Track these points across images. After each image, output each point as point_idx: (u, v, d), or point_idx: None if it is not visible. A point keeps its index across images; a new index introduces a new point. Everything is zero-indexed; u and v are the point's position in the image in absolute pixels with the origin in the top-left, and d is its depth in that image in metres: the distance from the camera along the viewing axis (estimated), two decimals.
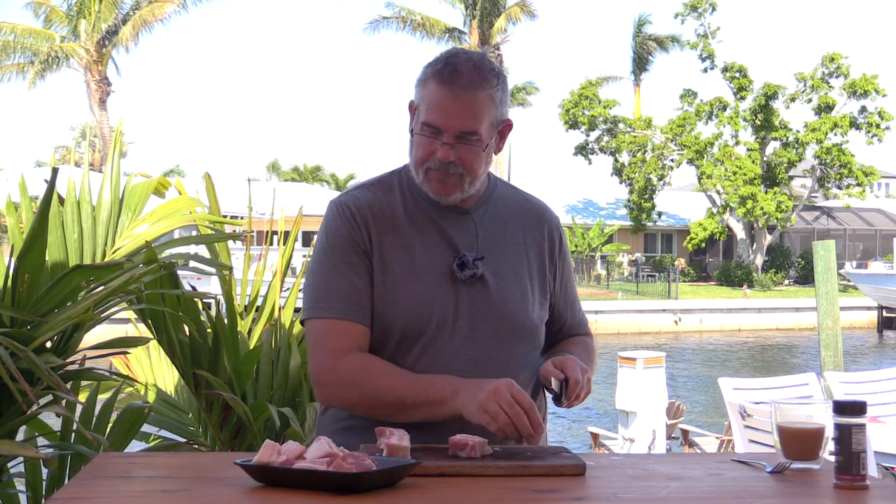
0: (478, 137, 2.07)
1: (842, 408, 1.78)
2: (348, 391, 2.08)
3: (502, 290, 2.15)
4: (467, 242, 2.15)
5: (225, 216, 3.61)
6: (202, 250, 3.37)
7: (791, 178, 39.81)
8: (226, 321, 3.01)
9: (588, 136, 39.85)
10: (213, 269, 3.10)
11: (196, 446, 3.11)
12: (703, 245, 39.51)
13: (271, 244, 3.70)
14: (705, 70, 39.29)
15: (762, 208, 36.58)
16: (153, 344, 3.31)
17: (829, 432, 1.84)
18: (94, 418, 2.80)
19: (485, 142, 2.09)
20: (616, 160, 40.06)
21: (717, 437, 9.22)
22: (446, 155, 2.07)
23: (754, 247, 39.88)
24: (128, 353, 3.37)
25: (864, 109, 37.88)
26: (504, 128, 2.15)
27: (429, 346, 2.09)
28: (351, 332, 2.08)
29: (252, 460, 1.70)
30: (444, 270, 2.12)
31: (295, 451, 1.71)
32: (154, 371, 3.47)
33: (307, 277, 2.17)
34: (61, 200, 3.14)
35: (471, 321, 2.11)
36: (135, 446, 2.98)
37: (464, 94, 2.05)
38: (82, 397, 2.89)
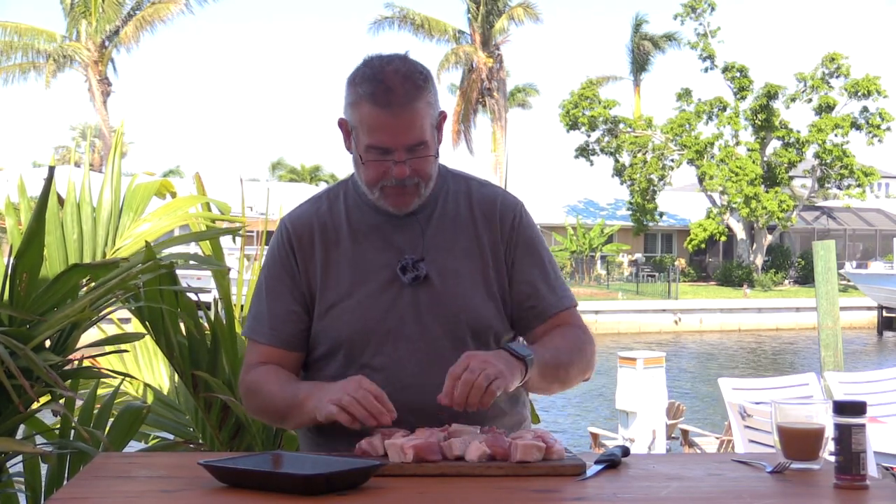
0: (426, 146, 2.07)
1: (842, 408, 1.78)
2: (249, 402, 2.20)
3: (450, 288, 2.12)
4: (413, 245, 2.13)
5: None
6: (200, 251, 3.36)
7: (791, 178, 39.81)
8: (224, 322, 3.00)
9: (589, 136, 39.82)
10: (210, 270, 3.10)
11: (195, 447, 3.10)
12: (703, 245, 39.48)
13: (268, 244, 3.68)
14: (706, 70, 39.28)
15: (765, 207, 36.58)
16: (150, 345, 3.31)
17: (829, 432, 1.83)
18: (94, 418, 2.79)
19: (432, 147, 2.09)
20: (616, 160, 40.03)
21: (717, 437, 9.21)
22: (402, 173, 2.05)
23: (754, 247, 39.88)
24: (126, 351, 3.36)
25: (865, 110, 37.88)
26: (441, 122, 2.13)
27: (379, 353, 2.09)
28: (263, 352, 2.18)
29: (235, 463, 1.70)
30: (389, 276, 2.11)
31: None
32: (151, 372, 3.46)
33: None
34: (61, 201, 3.14)
35: (421, 323, 2.10)
36: (133, 447, 2.97)
37: (403, 110, 2.02)
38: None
